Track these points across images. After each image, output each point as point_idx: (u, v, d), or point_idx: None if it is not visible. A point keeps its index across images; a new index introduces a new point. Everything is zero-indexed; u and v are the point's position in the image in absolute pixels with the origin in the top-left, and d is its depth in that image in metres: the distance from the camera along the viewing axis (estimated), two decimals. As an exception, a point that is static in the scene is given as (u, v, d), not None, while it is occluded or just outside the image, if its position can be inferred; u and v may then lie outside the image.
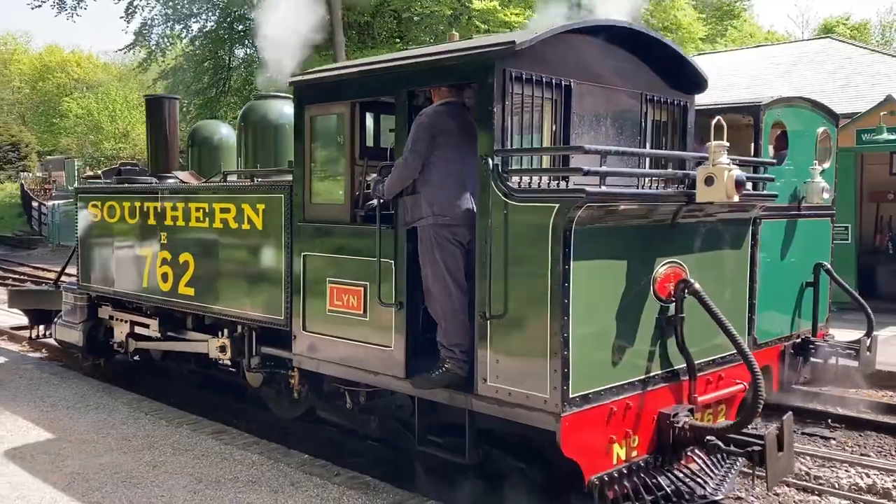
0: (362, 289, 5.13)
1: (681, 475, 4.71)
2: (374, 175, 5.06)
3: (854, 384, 7.72)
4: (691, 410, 4.72)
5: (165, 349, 7.16)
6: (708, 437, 4.55)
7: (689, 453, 4.72)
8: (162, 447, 5.49)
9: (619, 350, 4.46)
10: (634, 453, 4.52)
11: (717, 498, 4.65)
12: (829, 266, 7.49)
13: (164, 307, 6.99)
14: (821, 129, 7.61)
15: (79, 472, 5.06)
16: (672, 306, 4.63)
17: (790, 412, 4.75)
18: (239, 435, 5.78)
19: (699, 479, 4.69)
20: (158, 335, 7.02)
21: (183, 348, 6.93)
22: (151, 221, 7.10)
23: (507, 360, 4.36)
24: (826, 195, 7.18)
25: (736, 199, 4.41)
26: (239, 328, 6.21)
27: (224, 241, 6.29)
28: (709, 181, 4.47)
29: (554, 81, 4.77)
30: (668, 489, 4.56)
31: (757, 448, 4.41)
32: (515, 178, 4.44)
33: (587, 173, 4.11)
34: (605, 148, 4.45)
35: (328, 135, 5.42)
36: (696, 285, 4.65)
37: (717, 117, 4.53)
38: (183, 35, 29.35)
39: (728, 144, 4.42)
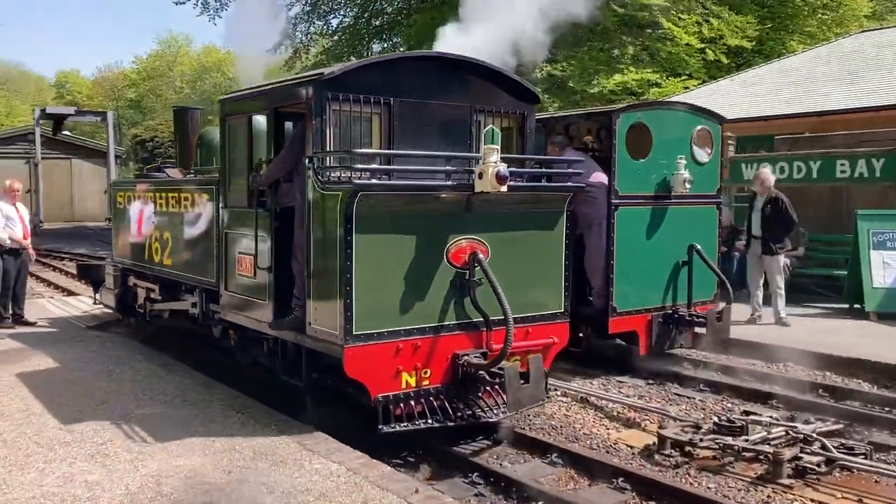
0: (252, 257, 7.00)
1: (471, 403, 6.32)
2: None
3: (706, 349, 9.40)
4: (483, 354, 6.31)
5: (164, 307, 9.61)
6: (479, 372, 6.18)
7: (487, 388, 6.29)
8: (242, 450, 5.73)
9: (408, 302, 6.07)
10: (426, 382, 6.19)
11: (492, 420, 6.40)
12: (699, 248, 8.86)
13: (159, 275, 9.38)
14: (698, 128, 9.09)
15: (154, 474, 5.31)
16: (468, 272, 6.22)
17: (539, 355, 6.42)
18: (324, 440, 5.97)
19: (486, 408, 6.33)
20: (160, 298, 9.55)
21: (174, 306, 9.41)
22: (150, 207, 9.52)
23: (320, 307, 6.17)
24: (688, 185, 8.62)
25: (503, 189, 5.87)
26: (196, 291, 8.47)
27: (186, 222, 8.53)
28: (480, 175, 5.94)
29: (373, 100, 6.49)
30: (451, 411, 6.19)
31: (501, 379, 6.05)
32: (336, 173, 6.23)
33: (362, 171, 6.06)
34: (374, 151, 6.44)
35: (237, 139, 7.41)
36: (480, 256, 6.19)
37: (490, 126, 6.15)
38: (323, 31, 30.80)
39: (498, 147, 5.88)
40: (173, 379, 7.87)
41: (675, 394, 8.27)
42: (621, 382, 8.69)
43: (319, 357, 6.45)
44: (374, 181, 6.04)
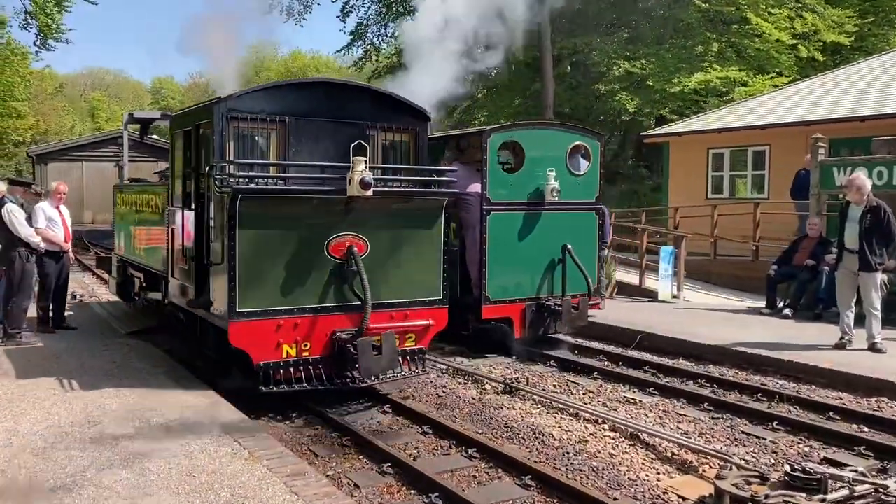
0: (187, 250, 8.15)
1: (345, 372, 7.36)
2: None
3: (566, 332, 10.66)
4: (359, 332, 7.20)
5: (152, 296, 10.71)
6: (347, 345, 7.24)
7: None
8: (222, 491, 5.08)
9: (289, 286, 7.15)
10: (306, 354, 7.29)
11: (358, 386, 7.54)
12: (570, 247, 10.17)
13: (142, 266, 10.61)
14: (573, 144, 10.38)
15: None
16: (346, 263, 7.30)
17: (392, 332, 7.48)
18: (315, 481, 5.29)
19: (355, 375, 7.38)
20: (144, 284, 10.87)
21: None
22: (133, 206, 11.02)
23: (216, 289, 7.34)
24: (556, 194, 9.90)
25: (367, 193, 7.02)
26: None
27: (150, 219, 9.89)
28: (349, 181, 7.03)
29: (269, 118, 7.70)
30: (326, 379, 7.34)
31: (355, 352, 7.15)
32: (234, 179, 7.22)
33: (239, 177, 7.19)
34: (251, 161, 7.56)
35: (178, 150, 8.66)
36: (354, 249, 7.24)
37: (359, 141, 7.81)
38: (397, 34, 30.25)
39: (365, 158, 7.17)
40: (183, 398, 7.23)
41: (743, 432, 7.08)
42: (681, 416, 7.60)
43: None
44: (252, 185, 7.18)
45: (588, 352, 10.51)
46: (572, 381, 8.95)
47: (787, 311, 11.98)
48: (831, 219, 11.87)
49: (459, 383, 8.91)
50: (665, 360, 9.88)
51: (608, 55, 25.02)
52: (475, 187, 9.80)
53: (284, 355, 7.14)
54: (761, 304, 12.76)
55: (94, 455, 5.65)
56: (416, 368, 7.94)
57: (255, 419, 7.45)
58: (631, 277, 15.58)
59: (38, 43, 27.53)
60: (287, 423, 7.39)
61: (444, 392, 8.46)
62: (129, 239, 11.31)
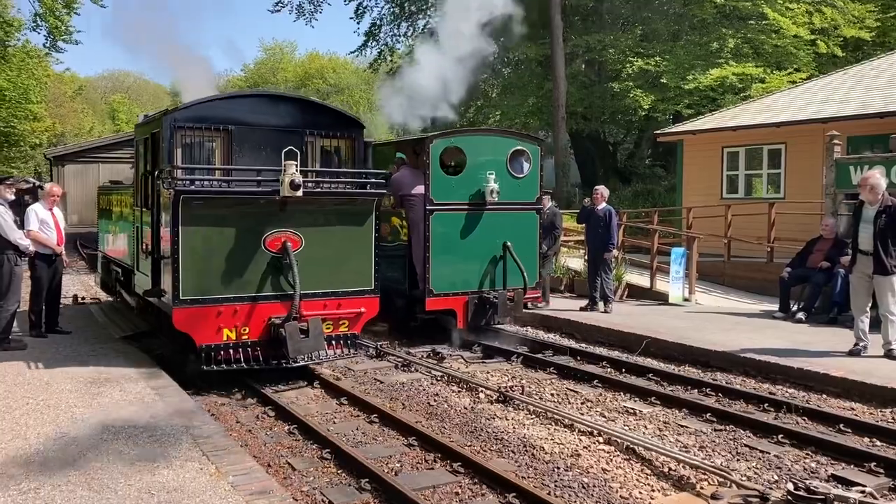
0: (144, 244, 9.11)
1: (279, 352, 8.11)
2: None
3: (504, 322, 11.35)
4: (294, 318, 8.03)
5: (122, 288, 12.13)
6: (280, 329, 8.05)
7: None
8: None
9: (229, 277, 7.95)
10: (245, 337, 8.12)
11: (293, 365, 8.23)
12: (510, 245, 10.87)
13: (118, 262, 11.63)
14: (513, 149, 11.13)
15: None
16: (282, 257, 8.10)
17: (318, 317, 8.34)
18: (280, 500, 5.02)
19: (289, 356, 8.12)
20: (122, 279, 11.81)
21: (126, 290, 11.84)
22: (110, 207, 12.15)
23: (165, 279, 8.13)
24: (495, 196, 10.59)
25: (298, 194, 7.78)
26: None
27: (121, 219, 10.99)
28: (281, 183, 7.78)
29: (213, 127, 8.52)
30: (263, 359, 8.15)
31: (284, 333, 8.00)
32: (181, 182, 7.96)
33: (182, 180, 7.91)
34: (193, 166, 8.35)
35: (139, 155, 9.71)
36: (289, 245, 8.01)
37: (290, 147, 8.62)
38: (409, 34, 29.99)
39: (296, 162, 8.02)
40: (160, 404, 7.03)
41: (746, 445, 6.69)
42: (682, 427, 7.21)
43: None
44: (192, 187, 7.84)
45: (591, 357, 10.15)
46: (571, 390, 8.58)
47: (800, 315, 11.53)
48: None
49: (453, 391, 8.60)
50: (670, 367, 9.47)
51: (622, 52, 24.55)
52: (419, 189, 10.58)
53: (225, 339, 7.98)
54: (775, 307, 12.31)
55: (52, 472, 5.38)
56: (349, 352, 8.77)
57: (231, 422, 7.33)
58: (642, 279, 15.16)
59: (47, 45, 27.51)
60: (267, 433, 7.13)
61: (436, 400, 8.16)
62: (108, 237, 12.65)
